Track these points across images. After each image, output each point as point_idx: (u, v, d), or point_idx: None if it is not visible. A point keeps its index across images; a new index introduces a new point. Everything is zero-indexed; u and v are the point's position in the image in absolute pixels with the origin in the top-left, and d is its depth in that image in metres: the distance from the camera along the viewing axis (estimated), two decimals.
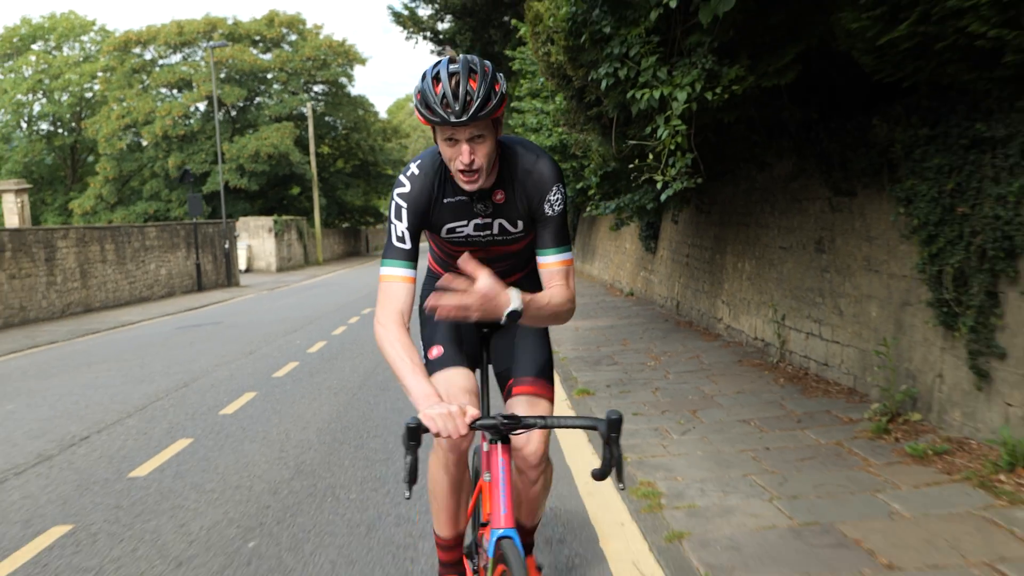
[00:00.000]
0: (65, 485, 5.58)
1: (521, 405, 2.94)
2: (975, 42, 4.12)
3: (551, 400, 2.97)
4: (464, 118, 2.43)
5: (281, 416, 7.39)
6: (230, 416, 7.47)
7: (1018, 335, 4.71)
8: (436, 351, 3.01)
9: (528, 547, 3.23)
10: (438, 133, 2.54)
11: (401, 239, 2.68)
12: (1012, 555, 3.60)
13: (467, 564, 3.24)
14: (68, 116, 52.07)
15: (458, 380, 2.92)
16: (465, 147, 2.50)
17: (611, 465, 2.31)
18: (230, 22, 48.62)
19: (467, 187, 2.59)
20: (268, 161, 43.88)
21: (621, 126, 7.11)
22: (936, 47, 4.33)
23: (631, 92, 5.92)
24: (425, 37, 27.36)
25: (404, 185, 2.72)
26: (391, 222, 2.71)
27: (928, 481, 4.60)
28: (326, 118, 51.83)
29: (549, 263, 2.72)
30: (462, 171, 2.54)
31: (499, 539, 2.44)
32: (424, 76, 2.51)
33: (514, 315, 2.41)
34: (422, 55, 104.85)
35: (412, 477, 2.30)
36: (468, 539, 3.23)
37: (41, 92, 52.58)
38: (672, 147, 6.01)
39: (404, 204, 2.69)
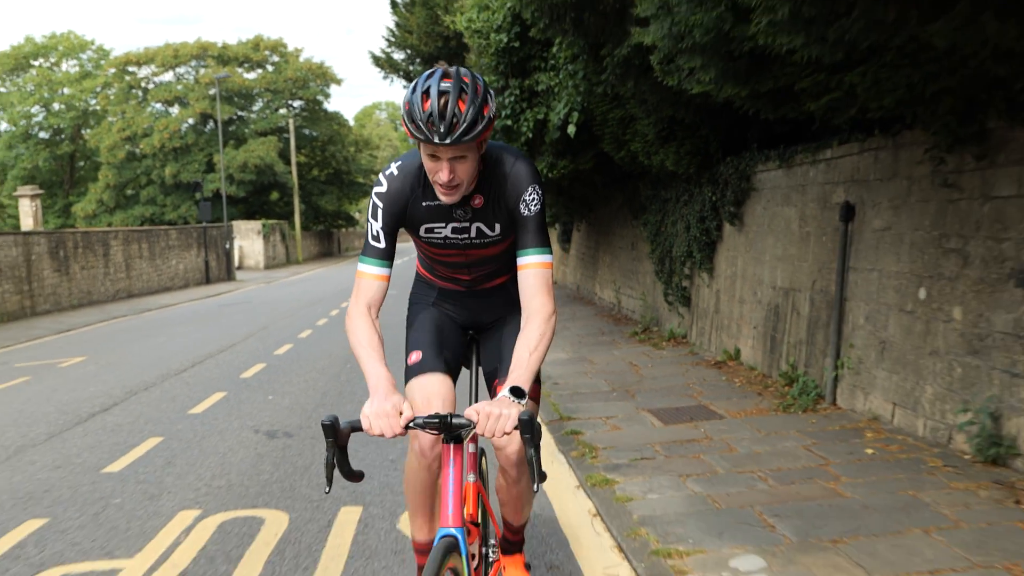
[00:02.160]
0: (220, 369, 11.41)
1: None
2: (645, 164, 10.13)
3: (535, 398, 2.95)
4: (448, 140, 2.39)
5: (313, 353, 13.08)
6: (281, 356, 12.70)
7: (690, 292, 10.76)
8: (415, 356, 2.99)
9: (517, 545, 3.25)
10: (421, 146, 2.51)
11: (376, 238, 2.70)
12: (643, 355, 9.60)
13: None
14: (69, 128, 56.96)
15: (432, 386, 2.89)
16: (445, 166, 2.48)
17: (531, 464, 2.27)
18: (220, 45, 53.99)
19: (445, 199, 2.58)
20: (255, 171, 49.36)
21: None
22: (642, 165, 10.35)
23: None
24: (399, 76, 33.12)
25: (382, 184, 2.72)
26: (368, 220, 2.72)
27: (641, 345, 10.62)
28: (304, 131, 57.22)
29: (528, 264, 2.69)
30: (440, 185, 2.53)
31: (443, 537, 2.44)
32: (415, 87, 2.45)
33: (520, 392, 2.40)
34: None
35: (329, 473, 2.32)
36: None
37: (42, 105, 57.45)
38: None
39: (380, 204, 2.70)
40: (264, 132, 52.31)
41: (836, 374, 6.66)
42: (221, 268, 36.17)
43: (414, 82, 2.45)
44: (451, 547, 2.38)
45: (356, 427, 2.32)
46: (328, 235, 66.33)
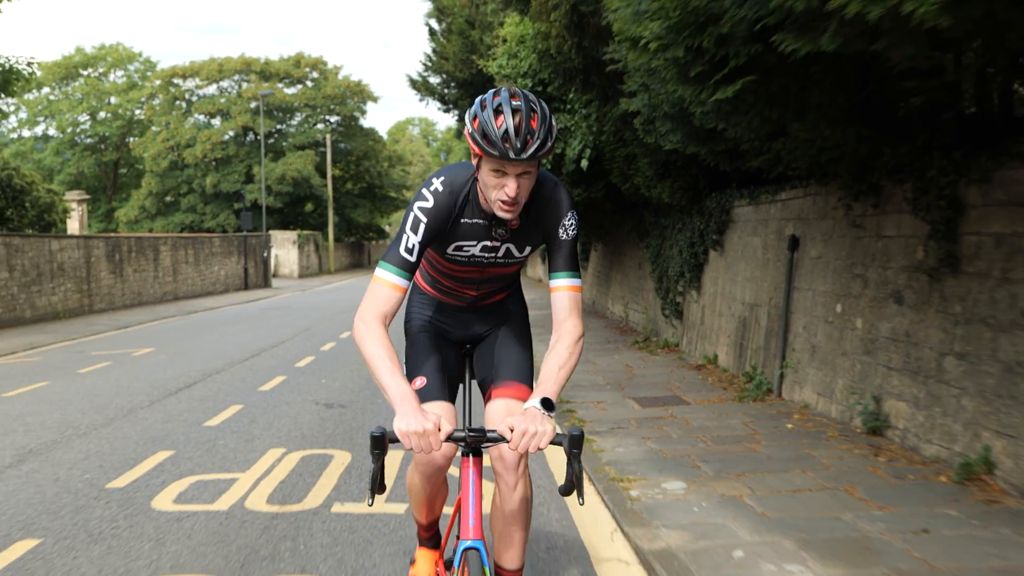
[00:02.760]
0: (276, 360, 13.16)
1: (499, 407, 2.99)
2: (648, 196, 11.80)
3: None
4: (524, 156, 2.45)
5: (355, 350, 14.90)
6: (327, 351, 14.51)
7: (682, 307, 12.40)
8: (419, 382, 2.98)
9: None
10: (485, 162, 2.54)
11: (410, 251, 2.67)
12: (639, 359, 11.24)
13: (445, 574, 3.30)
14: (115, 136, 59.54)
15: (437, 412, 2.74)
16: (513, 183, 2.52)
17: (573, 481, 2.35)
18: (263, 61, 56.40)
19: (504, 215, 2.61)
20: (292, 183, 51.57)
21: None
22: (644, 196, 12.03)
23: None
24: (434, 98, 34.98)
25: (427, 200, 2.70)
26: (405, 231, 2.68)
27: (639, 352, 12.25)
28: (340, 145, 59.47)
29: (561, 287, 2.75)
30: (504, 202, 2.56)
31: (465, 550, 2.49)
32: (484, 105, 2.52)
33: (550, 405, 2.47)
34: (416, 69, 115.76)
35: (377, 487, 2.33)
36: (449, 553, 3.30)
37: (89, 113, 60.12)
38: None
39: (424, 219, 2.69)
40: (302, 146, 54.57)
41: (782, 372, 8.29)
42: (259, 275, 38.17)
43: (480, 99, 2.55)
44: (475, 560, 2.45)
45: (394, 439, 2.35)
46: (359, 247, 68.42)
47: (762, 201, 9.08)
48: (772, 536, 4.37)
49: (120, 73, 61.77)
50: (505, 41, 13.33)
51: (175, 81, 56.40)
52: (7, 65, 18.69)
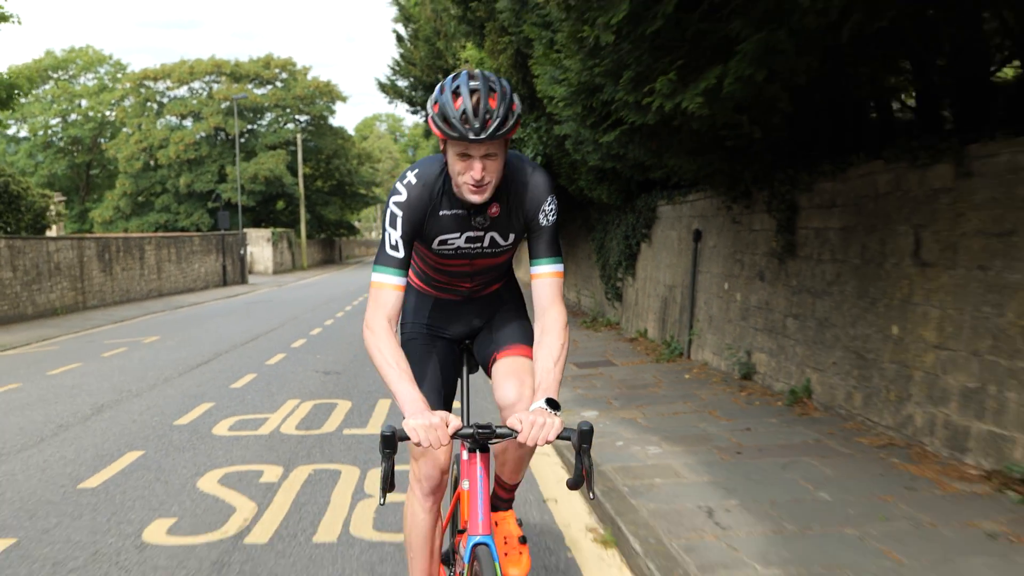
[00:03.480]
0: (272, 343, 15.09)
1: (503, 366, 3.07)
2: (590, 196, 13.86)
3: (531, 358, 2.90)
4: (483, 136, 2.45)
5: (339, 333, 16.83)
6: (315, 335, 16.51)
7: (622, 291, 14.48)
8: None
9: (508, 503, 3.35)
10: (450, 147, 2.55)
11: (395, 247, 2.70)
12: (585, 336, 13.32)
13: (444, 571, 3.29)
14: (88, 138, 60.68)
15: (446, 412, 2.85)
16: (478, 164, 2.52)
17: (582, 474, 2.41)
18: (232, 63, 57.84)
19: (474, 199, 2.61)
20: (264, 182, 53.20)
21: None
22: (588, 197, 14.09)
23: None
24: (403, 100, 36.67)
25: (400, 193, 2.71)
26: (385, 229, 2.71)
27: (586, 330, 14.33)
28: (310, 144, 61.05)
29: (543, 273, 2.77)
30: (472, 185, 2.57)
31: (475, 546, 2.51)
32: (443, 88, 2.50)
33: (555, 404, 2.53)
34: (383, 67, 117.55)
35: (387, 484, 2.38)
36: (446, 545, 3.32)
37: (60, 116, 61.19)
38: None
39: (399, 212, 2.70)
40: (273, 146, 56.14)
41: (690, 339, 10.39)
42: (236, 272, 39.84)
43: (440, 84, 2.53)
44: (485, 555, 2.46)
45: (403, 437, 2.39)
46: (330, 243, 70.02)
47: (676, 201, 11.17)
48: (645, 435, 6.45)
49: (91, 76, 62.88)
50: (467, 62, 15.30)
51: (146, 83, 57.74)
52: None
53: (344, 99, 61.23)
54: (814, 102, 6.70)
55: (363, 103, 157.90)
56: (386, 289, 2.69)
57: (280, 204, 60.24)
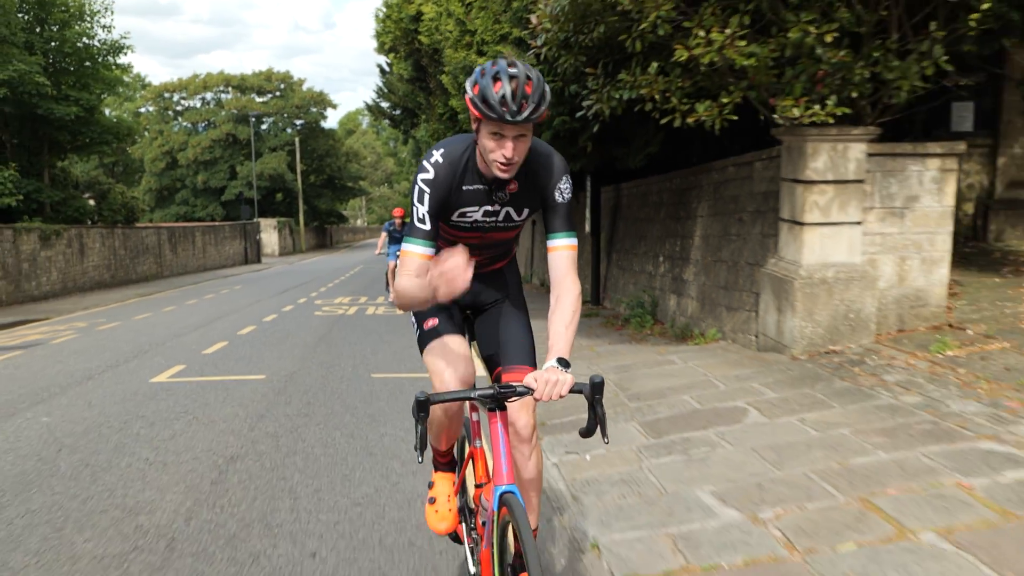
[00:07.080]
0: (299, 292, 25.47)
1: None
2: None
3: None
4: (519, 118, 2.64)
5: (346, 287, 26.79)
6: (324, 291, 25.57)
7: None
8: (432, 322, 3.23)
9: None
10: (484, 126, 2.73)
11: (422, 220, 2.88)
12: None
13: (460, 529, 3.54)
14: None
15: (454, 345, 3.19)
16: (510, 144, 2.71)
17: (596, 423, 2.57)
18: (239, 77, 67.78)
19: (503, 175, 2.79)
20: (269, 179, 63.32)
21: None
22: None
23: None
24: (385, 118, 46.30)
25: (428, 171, 2.89)
26: (414, 204, 2.90)
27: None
28: (305, 145, 70.94)
29: (558, 246, 2.93)
30: (501, 162, 2.74)
31: (503, 494, 2.68)
32: (484, 73, 2.69)
33: (566, 363, 2.68)
34: (365, 63, 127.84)
35: (423, 444, 2.56)
36: (459, 503, 3.55)
37: None
38: None
39: (427, 189, 2.88)
40: (275, 148, 66.24)
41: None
42: (253, 253, 50.11)
43: (479, 68, 2.73)
44: (515, 502, 2.61)
45: (435, 401, 2.64)
46: (323, 230, 79.83)
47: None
48: None
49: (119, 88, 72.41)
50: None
51: (164, 95, 67.58)
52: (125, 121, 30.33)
53: (335, 106, 71.35)
54: None
55: (342, 89, 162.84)
56: (415, 257, 2.88)
57: (279, 196, 69.99)
